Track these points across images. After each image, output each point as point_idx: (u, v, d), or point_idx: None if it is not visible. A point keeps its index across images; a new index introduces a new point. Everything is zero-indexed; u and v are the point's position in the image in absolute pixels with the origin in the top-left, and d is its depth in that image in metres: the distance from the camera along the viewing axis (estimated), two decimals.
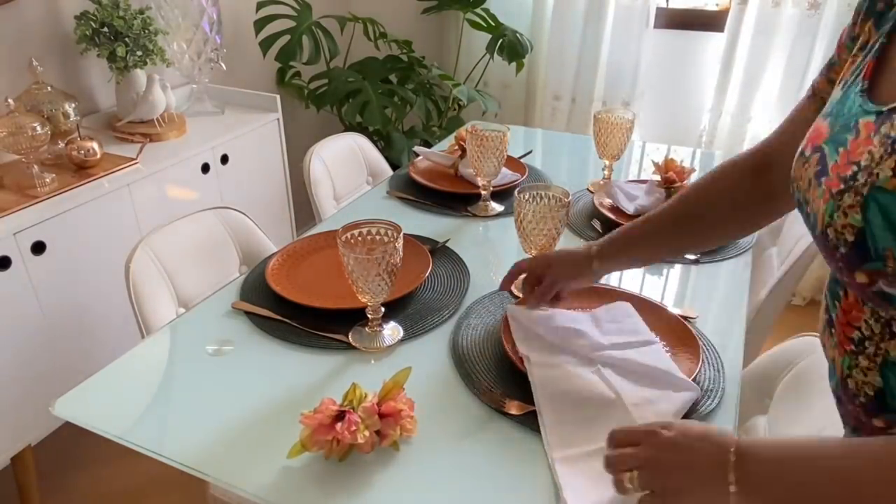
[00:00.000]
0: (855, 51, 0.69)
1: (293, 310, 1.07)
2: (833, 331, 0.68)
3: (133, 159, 1.68)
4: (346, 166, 1.80)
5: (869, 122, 0.59)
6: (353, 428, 0.76)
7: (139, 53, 1.78)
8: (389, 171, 1.87)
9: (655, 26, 2.47)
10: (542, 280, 0.99)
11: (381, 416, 0.79)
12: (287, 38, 2.35)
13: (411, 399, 0.83)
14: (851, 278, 0.58)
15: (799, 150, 0.69)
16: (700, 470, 0.61)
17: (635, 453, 0.63)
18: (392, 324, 1.04)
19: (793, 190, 0.69)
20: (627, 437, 0.66)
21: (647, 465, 0.62)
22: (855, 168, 0.58)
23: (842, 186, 0.58)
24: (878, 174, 0.55)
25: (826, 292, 0.70)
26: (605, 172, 1.56)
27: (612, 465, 0.65)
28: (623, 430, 0.67)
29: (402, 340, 1.01)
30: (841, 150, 0.61)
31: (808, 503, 0.58)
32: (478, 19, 2.55)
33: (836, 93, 0.68)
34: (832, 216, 0.58)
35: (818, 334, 0.74)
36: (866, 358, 0.63)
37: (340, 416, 0.77)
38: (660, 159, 1.48)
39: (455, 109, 2.78)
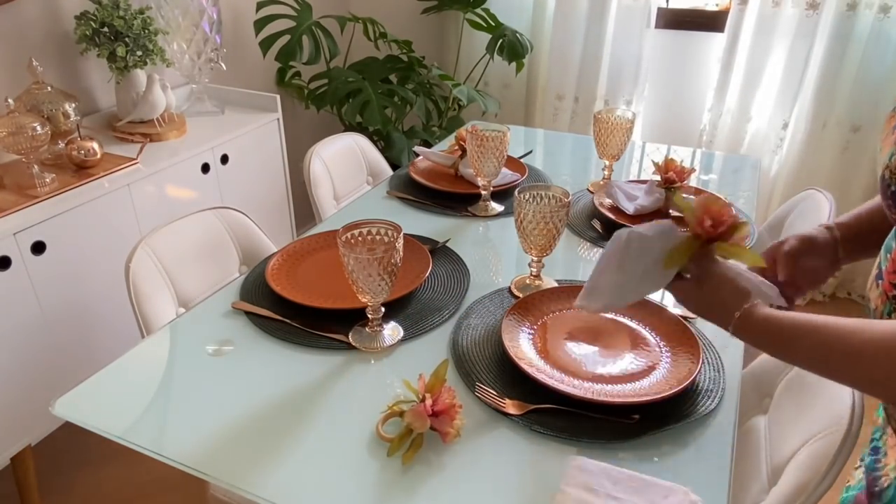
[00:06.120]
0: None
1: (293, 310, 1.07)
2: (880, 282, 0.75)
3: (133, 159, 1.68)
4: (346, 166, 1.80)
5: None
6: (454, 413, 0.81)
7: (139, 53, 1.78)
8: (389, 171, 1.87)
9: (656, 26, 2.48)
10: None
11: (436, 414, 0.80)
12: (287, 38, 2.35)
13: (451, 388, 0.83)
14: (894, 214, 0.68)
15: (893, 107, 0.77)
16: (717, 309, 0.76)
17: (684, 288, 0.81)
18: (392, 324, 1.04)
19: (880, 142, 0.76)
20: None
21: (686, 298, 0.81)
22: None
23: None
24: None
25: (882, 250, 0.78)
26: (606, 172, 1.56)
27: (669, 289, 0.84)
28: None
29: (403, 340, 1.01)
30: None
31: (787, 353, 0.69)
32: (478, 19, 2.55)
33: None
34: (891, 158, 0.67)
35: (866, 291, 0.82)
36: None
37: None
38: (660, 159, 1.48)
39: (455, 109, 2.78)
